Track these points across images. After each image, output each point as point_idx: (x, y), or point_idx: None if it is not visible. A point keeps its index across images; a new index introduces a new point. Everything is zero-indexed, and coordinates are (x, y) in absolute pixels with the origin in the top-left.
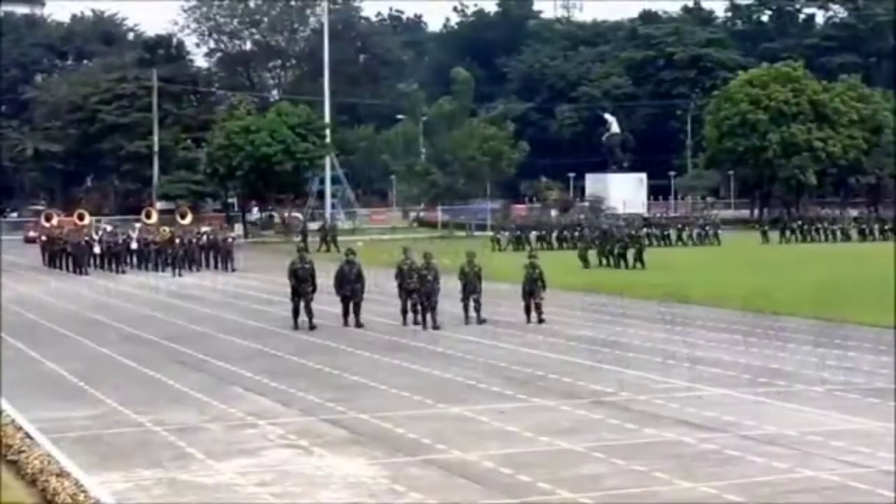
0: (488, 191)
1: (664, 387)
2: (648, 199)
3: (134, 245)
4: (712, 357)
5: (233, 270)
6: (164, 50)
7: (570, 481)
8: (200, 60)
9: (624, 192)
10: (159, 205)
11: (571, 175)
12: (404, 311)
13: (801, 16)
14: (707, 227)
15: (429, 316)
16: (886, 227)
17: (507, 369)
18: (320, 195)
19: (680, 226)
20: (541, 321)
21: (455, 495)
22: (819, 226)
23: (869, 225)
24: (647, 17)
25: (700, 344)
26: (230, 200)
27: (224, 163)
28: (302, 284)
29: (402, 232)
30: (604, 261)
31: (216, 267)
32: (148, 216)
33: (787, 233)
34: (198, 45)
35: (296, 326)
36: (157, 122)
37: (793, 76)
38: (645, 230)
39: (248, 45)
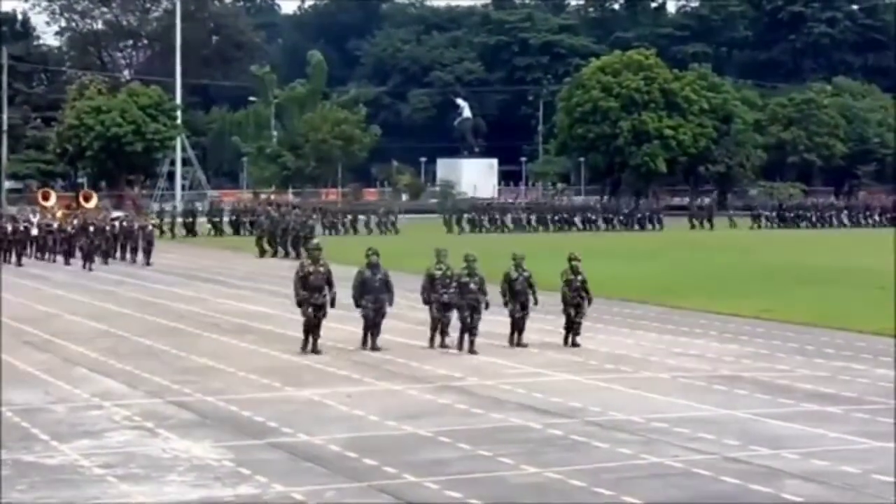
0: (339, 174)
1: (512, 372)
2: (499, 184)
3: (34, 232)
4: (560, 343)
5: (148, 264)
6: (12, 27)
7: (416, 465)
8: (51, 39)
9: (475, 177)
10: (8, 184)
11: (423, 160)
12: (434, 330)
13: (653, 4)
14: (387, 216)
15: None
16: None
17: (356, 353)
18: (170, 176)
19: (351, 216)
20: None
21: (301, 479)
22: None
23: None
24: (501, 2)
25: (548, 329)
26: (80, 181)
27: (74, 143)
28: (315, 294)
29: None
30: (279, 250)
31: (132, 260)
32: (45, 198)
33: (471, 223)
34: (48, 24)
35: (306, 348)
36: (6, 100)
37: (644, 64)
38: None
39: (100, 25)
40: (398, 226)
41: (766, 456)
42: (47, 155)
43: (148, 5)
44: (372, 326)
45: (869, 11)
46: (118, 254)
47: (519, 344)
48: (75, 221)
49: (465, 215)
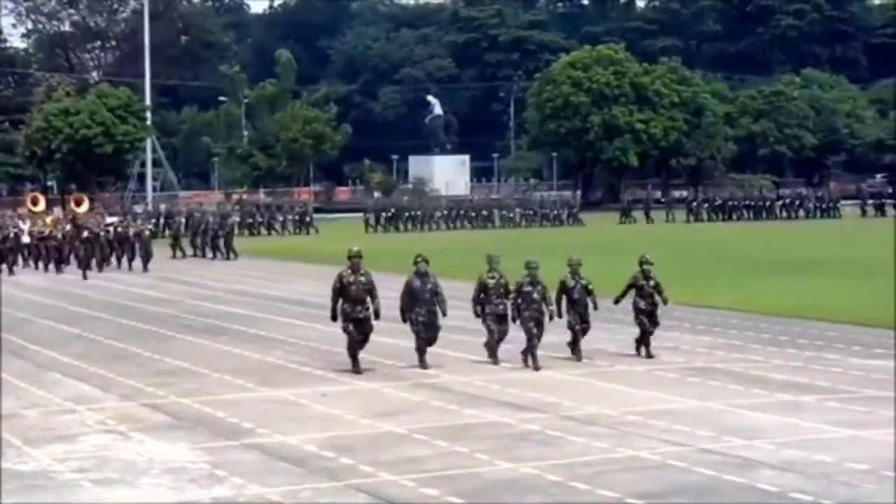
0: (311, 173)
1: (486, 368)
2: (472, 180)
3: (26, 239)
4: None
5: (146, 270)
6: None
7: (392, 464)
8: (17, 41)
9: (447, 174)
10: None
11: (395, 157)
12: (493, 345)
13: None
14: (302, 216)
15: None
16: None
17: (330, 352)
18: (141, 178)
19: (267, 215)
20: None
21: (276, 479)
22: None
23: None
24: None
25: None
26: (49, 184)
27: (43, 146)
28: (357, 307)
29: None
30: (197, 251)
31: (128, 266)
32: (34, 203)
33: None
34: (14, 26)
35: (357, 368)
36: None
37: (614, 59)
38: (234, 218)
39: (67, 26)
40: (315, 225)
41: (741, 446)
42: (16, 158)
43: (115, 6)
44: (426, 341)
45: (835, 3)
46: (113, 260)
47: (576, 353)
48: (67, 227)
49: (384, 214)
